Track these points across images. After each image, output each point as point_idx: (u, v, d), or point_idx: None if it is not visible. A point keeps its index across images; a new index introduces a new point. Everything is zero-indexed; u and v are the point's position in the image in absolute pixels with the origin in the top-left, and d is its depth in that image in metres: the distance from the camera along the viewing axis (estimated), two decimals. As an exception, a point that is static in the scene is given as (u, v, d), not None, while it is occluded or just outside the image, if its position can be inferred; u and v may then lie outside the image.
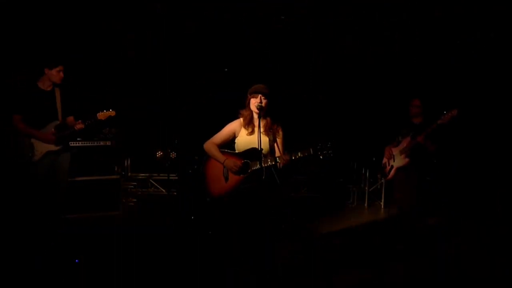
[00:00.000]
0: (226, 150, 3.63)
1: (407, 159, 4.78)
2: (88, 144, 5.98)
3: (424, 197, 4.89)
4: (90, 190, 5.68)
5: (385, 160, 5.01)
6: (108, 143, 6.09)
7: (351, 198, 7.18)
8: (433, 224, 5.55)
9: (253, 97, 3.52)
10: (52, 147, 4.51)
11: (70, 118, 4.62)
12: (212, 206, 3.76)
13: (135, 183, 7.30)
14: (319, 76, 7.14)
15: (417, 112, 4.85)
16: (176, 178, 6.95)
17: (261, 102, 3.48)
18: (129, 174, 7.28)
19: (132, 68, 6.85)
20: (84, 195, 5.62)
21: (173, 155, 7.08)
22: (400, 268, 4.22)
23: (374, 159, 6.52)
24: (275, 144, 3.56)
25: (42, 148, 4.47)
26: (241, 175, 3.50)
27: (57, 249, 4.21)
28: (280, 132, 3.62)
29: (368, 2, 5.64)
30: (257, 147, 3.38)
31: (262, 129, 3.47)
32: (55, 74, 4.48)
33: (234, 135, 3.64)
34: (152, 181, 7.38)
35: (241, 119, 3.62)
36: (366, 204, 6.98)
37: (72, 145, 5.50)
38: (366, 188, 7.02)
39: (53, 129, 4.51)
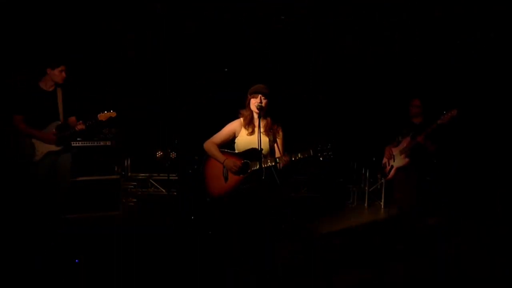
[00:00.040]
0: (226, 150, 3.63)
1: (407, 159, 4.78)
2: (88, 144, 5.98)
3: (424, 197, 4.89)
4: (90, 190, 5.68)
5: (385, 160, 5.01)
6: (108, 143, 6.09)
7: (351, 198, 7.18)
8: (433, 224, 5.55)
9: (253, 97, 3.52)
10: (53, 148, 4.51)
11: (72, 119, 4.62)
12: (212, 206, 3.76)
13: (135, 183, 7.30)
14: (319, 76, 7.14)
15: (417, 112, 4.85)
16: (176, 178, 6.95)
17: (261, 102, 3.48)
18: (129, 174, 7.28)
19: (132, 68, 6.85)
20: (84, 195, 5.61)
21: (173, 155, 7.08)
22: (400, 268, 4.22)
23: (374, 159, 6.52)
24: (275, 145, 3.56)
25: (43, 148, 4.47)
26: (241, 175, 3.50)
27: (57, 249, 4.21)
28: (280, 133, 3.62)
29: (368, 2, 5.64)
30: (257, 147, 3.38)
31: (262, 129, 3.47)
32: (57, 74, 4.48)
33: (234, 135, 3.64)
34: (152, 181, 7.38)
35: (242, 119, 3.62)
36: (366, 204, 6.98)
37: (72, 145, 5.49)
38: (366, 188, 7.02)
39: (54, 130, 4.51)
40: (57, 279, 3.64)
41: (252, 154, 3.49)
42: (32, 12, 5.68)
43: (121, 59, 6.71)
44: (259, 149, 3.35)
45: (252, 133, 3.57)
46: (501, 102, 6.28)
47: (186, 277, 3.81)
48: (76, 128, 4.53)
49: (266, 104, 3.50)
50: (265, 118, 3.57)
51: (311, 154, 3.38)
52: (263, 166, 3.40)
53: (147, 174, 7.41)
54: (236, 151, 3.62)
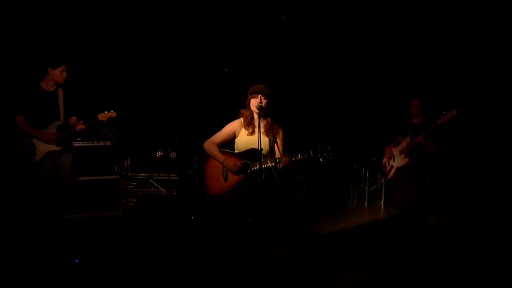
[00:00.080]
0: (226, 150, 3.63)
1: (407, 159, 4.77)
2: (88, 144, 5.99)
3: (424, 197, 4.88)
4: (90, 190, 5.68)
5: (385, 160, 5.01)
6: (108, 143, 6.10)
7: (351, 198, 7.18)
8: (433, 224, 5.55)
9: (253, 97, 3.52)
10: (54, 148, 4.51)
11: (73, 119, 4.63)
12: (212, 206, 3.76)
13: (135, 183, 7.30)
14: (319, 76, 7.14)
15: (417, 112, 4.84)
16: (176, 178, 6.95)
17: (261, 102, 3.48)
18: (129, 174, 7.28)
19: (132, 68, 6.85)
20: (84, 195, 5.61)
21: (173, 155, 7.08)
22: (400, 268, 4.22)
23: (374, 159, 6.52)
24: (275, 145, 3.56)
25: (43, 148, 4.47)
26: (241, 175, 3.50)
27: (57, 249, 4.21)
28: (280, 133, 3.62)
29: (368, 2, 5.64)
30: (257, 147, 3.38)
31: (262, 130, 3.48)
32: (59, 74, 4.48)
33: (234, 135, 3.64)
34: (152, 181, 7.38)
35: (242, 119, 3.61)
36: (366, 204, 6.98)
37: (72, 145, 5.49)
38: (366, 188, 7.02)
39: (54, 130, 4.52)
40: (57, 279, 3.65)
41: (252, 154, 3.49)
42: (33, 12, 5.68)
43: (121, 59, 6.71)
44: (259, 149, 3.35)
45: (252, 133, 3.57)
46: (501, 102, 6.28)
47: (186, 277, 3.81)
48: (77, 128, 4.54)
49: (266, 104, 3.50)
50: (265, 118, 3.57)
51: (311, 155, 3.38)
52: (263, 166, 3.40)
53: (147, 174, 7.41)
54: (236, 151, 3.62)
